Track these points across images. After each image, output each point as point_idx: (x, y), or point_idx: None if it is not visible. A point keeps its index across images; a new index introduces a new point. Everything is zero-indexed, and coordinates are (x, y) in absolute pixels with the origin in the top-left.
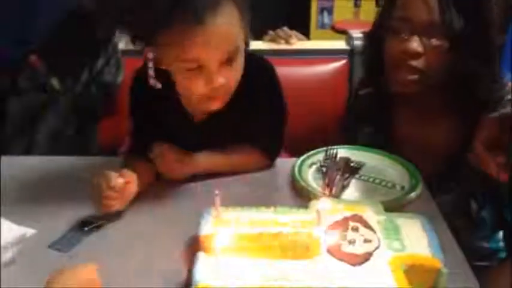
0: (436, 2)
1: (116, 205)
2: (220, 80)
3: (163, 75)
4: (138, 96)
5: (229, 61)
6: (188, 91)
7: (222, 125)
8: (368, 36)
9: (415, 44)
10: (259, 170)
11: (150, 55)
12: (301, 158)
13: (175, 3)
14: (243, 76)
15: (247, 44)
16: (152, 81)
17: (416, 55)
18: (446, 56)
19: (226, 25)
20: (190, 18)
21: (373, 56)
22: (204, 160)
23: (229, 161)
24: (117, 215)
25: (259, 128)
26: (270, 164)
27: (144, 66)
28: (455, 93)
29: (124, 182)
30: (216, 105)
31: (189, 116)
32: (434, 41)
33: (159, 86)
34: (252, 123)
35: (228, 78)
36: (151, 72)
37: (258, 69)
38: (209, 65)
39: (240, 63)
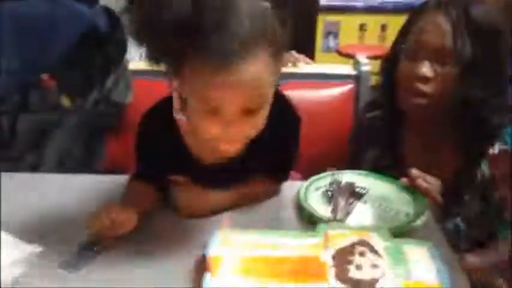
0: (450, 29)
1: (107, 235)
2: (237, 128)
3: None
4: (148, 134)
5: (251, 110)
6: (200, 131)
7: (234, 171)
8: (384, 59)
9: (425, 69)
10: (268, 198)
11: (175, 85)
12: (307, 182)
13: (207, 39)
14: (267, 123)
15: (276, 86)
16: (176, 114)
17: (425, 79)
18: (457, 83)
19: (254, 73)
20: (217, 58)
21: (387, 78)
22: (223, 197)
23: (244, 196)
24: (125, 235)
25: (271, 163)
26: (277, 191)
27: (158, 105)
28: (463, 120)
29: (123, 220)
30: (227, 153)
31: (195, 159)
32: (445, 67)
33: (182, 118)
34: (266, 158)
35: (247, 129)
36: (176, 104)
37: (281, 111)
38: (228, 111)
39: (264, 113)
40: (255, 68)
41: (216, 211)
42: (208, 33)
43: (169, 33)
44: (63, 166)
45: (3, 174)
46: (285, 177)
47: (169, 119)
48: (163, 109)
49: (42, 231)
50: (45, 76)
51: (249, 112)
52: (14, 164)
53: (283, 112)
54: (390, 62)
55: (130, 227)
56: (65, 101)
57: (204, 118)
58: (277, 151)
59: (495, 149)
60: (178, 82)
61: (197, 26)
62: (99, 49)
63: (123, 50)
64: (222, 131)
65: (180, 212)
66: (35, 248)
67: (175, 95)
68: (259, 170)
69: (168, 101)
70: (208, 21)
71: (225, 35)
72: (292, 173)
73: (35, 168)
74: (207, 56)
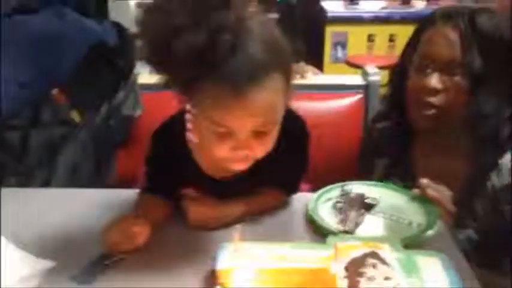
0: (458, 40)
1: (122, 248)
2: (247, 148)
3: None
4: (159, 150)
5: (262, 133)
6: (211, 152)
7: (244, 185)
8: (393, 71)
9: (434, 81)
10: (276, 208)
11: (189, 107)
12: (317, 193)
13: (220, 64)
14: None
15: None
16: (189, 135)
17: (434, 91)
18: (466, 94)
19: (268, 98)
20: (230, 83)
21: (396, 90)
22: (232, 210)
23: (253, 208)
24: (137, 248)
25: (281, 176)
26: (286, 201)
27: (169, 122)
28: (474, 130)
29: (137, 232)
30: (237, 168)
31: (205, 175)
32: (455, 79)
33: (196, 140)
34: (275, 175)
35: (257, 151)
36: (189, 124)
37: (290, 127)
38: (239, 135)
39: (273, 135)
40: (269, 93)
41: (226, 223)
42: (222, 58)
43: (183, 60)
44: (74, 181)
45: (14, 189)
46: (294, 189)
47: (180, 135)
48: (174, 125)
49: (53, 247)
50: (55, 91)
51: (260, 135)
52: (25, 179)
53: (292, 128)
54: (399, 74)
55: (144, 240)
56: (75, 116)
57: (215, 140)
58: (286, 166)
59: (505, 160)
60: (191, 105)
61: (211, 52)
62: (108, 64)
63: (132, 64)
64: (232, 153)
65: (191, 224)
66: (46, 263)
67: (188, 116)
68: (268, 183)
69: (179, 117)
70: (223, 46)
71: (239, 60)
72: (302, 184)
73: (45, 183)
74: (220, 81)
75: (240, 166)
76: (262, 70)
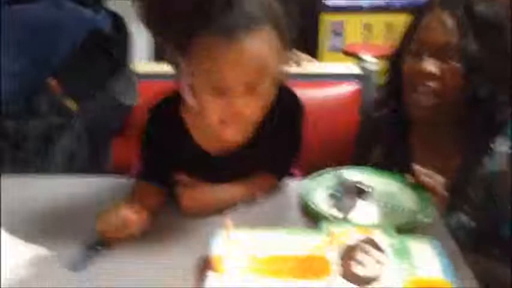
0: (455, 26)
1: (117, 236)
2: (241, 105)
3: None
4: (151, 131)
5: (256, 88)
6: (207, 114)
7: (239, 159)
8: (390, 59)
9: (431, 66)
10: (267, 193)
11: (185, 69)
12: (311, 179)
13: (215, 17)
14: (271, 112)
15: (284, 77)
16: (187, 98)
17: (431, 76)
18: (462, 80)
19: (259, 47)
20: (224, 33)
21: (393, 77)
22: (225, 195)
23: (246, 192)
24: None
25: (274, 156)
26: (277, 186)
27: (163, 101)
28: (470, 116)
29: (133, 219)
30: (231, 136)
31: (203, 151)
32: (451, 64)
33: (194, 102)
34: (269, 152)
35: (251, 108)
36: (186, 90)
37: (287, 104)
38: (233, 86)
39: (269, 94)
40: (262, 44)
41: (219, 209)
42: (219, 11)
43: (182, 12)
44: (70, 170)
45: (10, 175)
46: (285, 172)
47: (175, 113)
48: (170, 103)
49: (47, 233)
50: (51, 81)
51: (253, 90)
52: (22, 168)
53: (286, 102)
54: (395, 61)
55: (139, 227)
56: (72, 105)
57: (210, 99)
58: (279, 144)
59: (498, 145)
60: (186, 63)
61: (209, 4)
62: (105, 52)
63: (129, 53)
64: (227, 111)
65: (184, 210)
66: (39, 250)
67: (184, 82)
68: (262, 163)
69: (174, 96)
70: (218, 2)
71: (235, 13)
72: (296, 172)
73: (42, 172)
74: (216, 33)
75: (234, 133)
76: (256, 23)
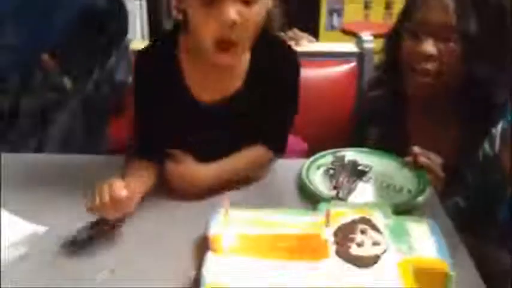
0: (454, 6)
1: (109, 215)
2: (233, 14)
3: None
4: (142, 74)
5: (248, 3)
6: (200, 32)
7: (232, 111)
8: (387, 37)
9: (429, 46)
10: (263, 167)
11: None
12: (309, 160)
13: None
14: (266, 58)
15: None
16: (175, 12)
17: (430, 57)
18: (462, 60)
19: None
20: None
21: (390, 56)
22: (215, 170)
23: (239, 168)
24: (127, 215)
25: (268, 121)
26: (272, 160)
27: (155, 43)
28: (468, 97)
29: (126, 195)
30: (226, 58)
31: (196, 99)
32: (450, 44)
33: (180, 16)
34: (263, 114)
35: (243, 18)
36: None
37: (284, 55)
38: None
39: (261, 6)
40: None
41: (210, 187)
42: None
43: None
44: (66, 149)
45: (5, 154)
46: (281, 145)
47: (168, 56)
48: (163, 44)
49: (45, 211)
50: (45, 56)
51: (246, 4)
52: (16, 147)
53: (283, 57)
54: (393, 41)
55: (132, 202)
56: (66, 82)
57: (202, 12)
58: (273, 111)
59: (498, 128)
60: None
61: None
62: (100, 29)
63: (124, 30)
64: (220, 26)
65: (173, 186)
66: (37, 228)
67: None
68: (255, 135)
69: (164, 40)
70: None
71: None
72: (299, 140)
73: (38, 149)
74: None
75: (229, 56)
76: None
